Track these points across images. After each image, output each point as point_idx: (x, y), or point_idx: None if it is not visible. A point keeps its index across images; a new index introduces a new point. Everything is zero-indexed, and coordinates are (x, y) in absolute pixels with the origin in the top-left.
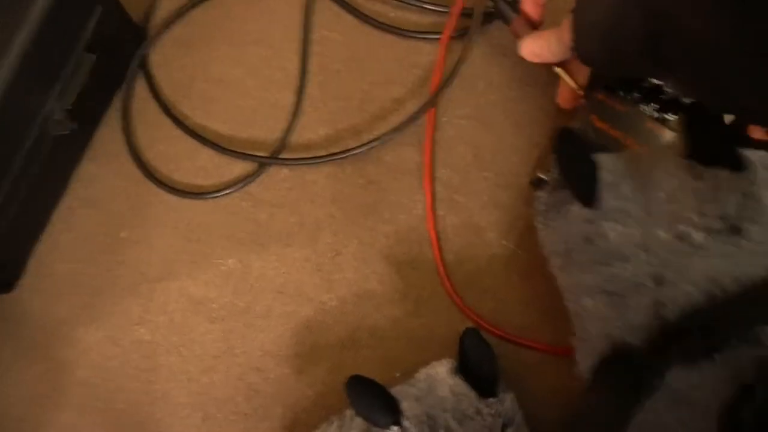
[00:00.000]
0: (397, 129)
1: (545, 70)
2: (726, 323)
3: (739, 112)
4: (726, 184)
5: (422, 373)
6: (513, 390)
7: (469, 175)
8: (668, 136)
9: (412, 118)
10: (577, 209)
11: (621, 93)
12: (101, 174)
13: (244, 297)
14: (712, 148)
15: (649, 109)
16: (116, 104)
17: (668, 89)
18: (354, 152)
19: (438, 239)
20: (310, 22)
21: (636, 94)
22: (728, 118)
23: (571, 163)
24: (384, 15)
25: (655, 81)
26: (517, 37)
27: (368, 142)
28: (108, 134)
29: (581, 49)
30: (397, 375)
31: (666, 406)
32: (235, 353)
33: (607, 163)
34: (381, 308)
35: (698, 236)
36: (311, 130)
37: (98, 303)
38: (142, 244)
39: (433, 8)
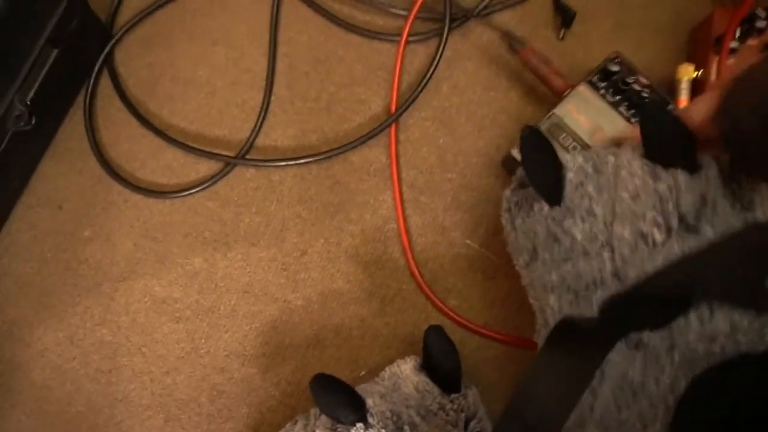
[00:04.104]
0: (362, 139)
1: (505, 75)
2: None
3: None
4: (684, 185)
5: (387, 371)
6: (476, 385)
7: (434, 176)
8: (637, 138)
9: (376, 131)
10: (543, 207)
11: (602, 92)
12: (63, 172)
13: (209, 297)
14: (669, 149)
15: (626, 113)
16: (80, 102)
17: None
18: (319, 157)
19: (408, 235)
20: (277, 23)
21: (617, 97)
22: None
23: (537, 162)
24: (351, 17)
25: (636, 87)
26: (526, 64)
27: (334, 149)
28: (71, 132)
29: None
30: (363, 374)
31: (624, 397)
32: (199, 353)
33: (571, 163)
34: (347, 307)
35: (658, 235)
36: (279, 131)
37: (58, 303)
38: (105, 243)
39: (399, 12)
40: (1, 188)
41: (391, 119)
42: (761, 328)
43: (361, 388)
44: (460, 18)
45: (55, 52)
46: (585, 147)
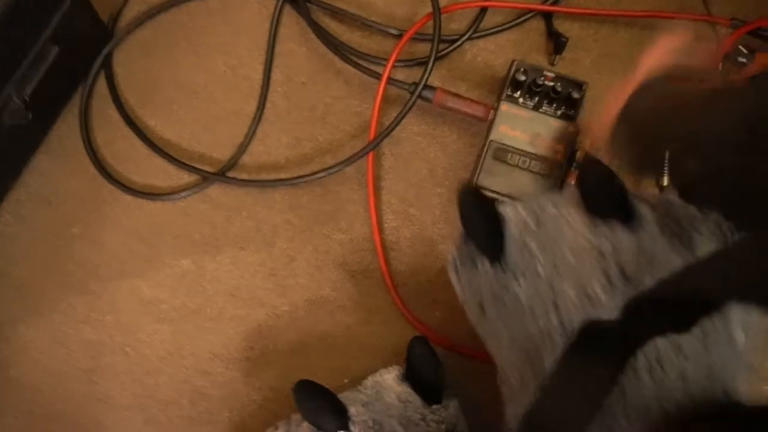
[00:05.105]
0: (347, 162)
1: (495, 96)
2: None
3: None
4: (624, 240)
5: (369, 380)
6: (458, 396)
7: (424, 190)
8: (572, 128)
9: (353, 160)
10: (485, 266)
11: (521, 101)
12: (55, 169)
13: (196, 299)
14: (603, 200)
15: (551, 110)
16: (76, 101)
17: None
18: (307, 179)
19: (385, 254)
20: (276, 34)
21: (536, 99)
22: None
23: (476, 220)
24: (348, 35)
25: (548, 84)
26: (443, 107)
27: (322, 170)
28: (66, 129)
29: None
30: (346, 381)
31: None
32: (182, 355)
33: (512, 214)
34: (333, 315)
35: (602, 294)
36: (274, 138)
37: (43, 300)
38: (94, 242)
39: (396, 32)
40: None
41: (367, 148)
42: (709, 376)
43: (343, 396)
44: (451, 41)
45: (56, 49)
46: (533, 158)
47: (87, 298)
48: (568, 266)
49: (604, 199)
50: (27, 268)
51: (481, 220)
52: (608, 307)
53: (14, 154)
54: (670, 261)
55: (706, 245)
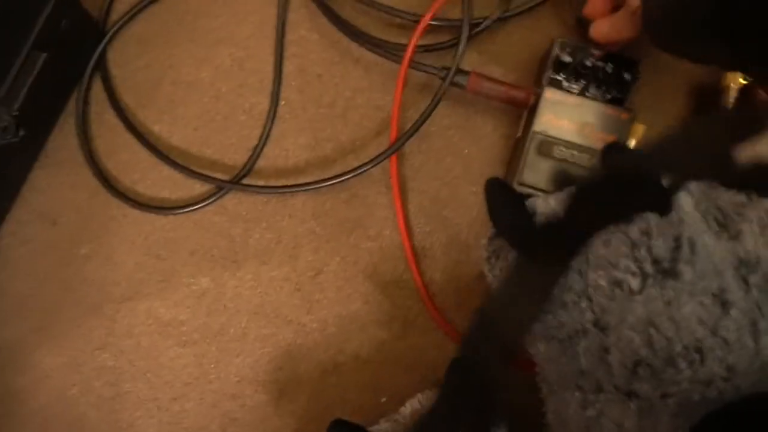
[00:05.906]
0: (372, 162)
1: (533, 79)
2: None
3: None
4: (656, 229)
5: (408, 407)
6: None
7: (458, 190)
8: (624, 114)
9: (377, 161)
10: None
11: (566, 86)
12: (56, 185)
13: (218, 319)
14: (634, 192)
15: (599, 94)
16: (72, 108)
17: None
18: (330, 182)
19: (418, 261)
20: (285, 21)
21: (582, 82)
22: None
23: (504, 214)
24: (363, 20)
25: (598, 64)
26: (479, 93)
27: (346, 173)
28: (63, 142)
29: (649, 23)
30: (383, 401)
31: None
32: (208, 379)
33: (542, 207)
34: (365, 330)
35: (634, 283)
36: (290, 139)
37: (56, 325)
38: (104, 261)
39: (412, 19)
40: None
41: (389, 151)
42: (763, 367)
43: (380, 429)
44: (480, 22)
45: (44, 56)
46: (582, 150)
47: (103, 322)
48: (596, 253)
49: (636, 190)
50: (37, 294)
51: (511, 215)
52: (641, 297)
53: (10, 174)
54: (712, 251)
55: (754, 236)
